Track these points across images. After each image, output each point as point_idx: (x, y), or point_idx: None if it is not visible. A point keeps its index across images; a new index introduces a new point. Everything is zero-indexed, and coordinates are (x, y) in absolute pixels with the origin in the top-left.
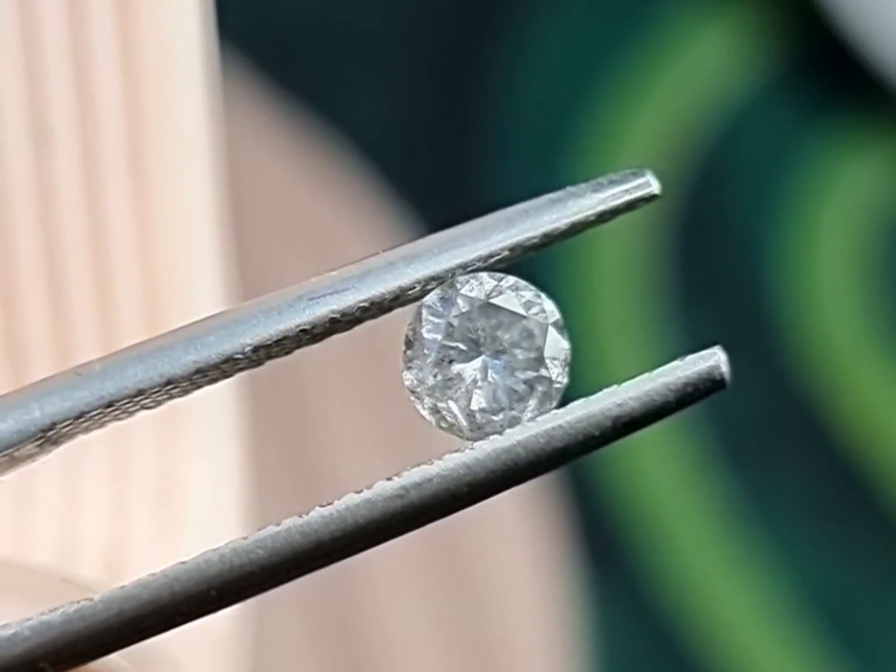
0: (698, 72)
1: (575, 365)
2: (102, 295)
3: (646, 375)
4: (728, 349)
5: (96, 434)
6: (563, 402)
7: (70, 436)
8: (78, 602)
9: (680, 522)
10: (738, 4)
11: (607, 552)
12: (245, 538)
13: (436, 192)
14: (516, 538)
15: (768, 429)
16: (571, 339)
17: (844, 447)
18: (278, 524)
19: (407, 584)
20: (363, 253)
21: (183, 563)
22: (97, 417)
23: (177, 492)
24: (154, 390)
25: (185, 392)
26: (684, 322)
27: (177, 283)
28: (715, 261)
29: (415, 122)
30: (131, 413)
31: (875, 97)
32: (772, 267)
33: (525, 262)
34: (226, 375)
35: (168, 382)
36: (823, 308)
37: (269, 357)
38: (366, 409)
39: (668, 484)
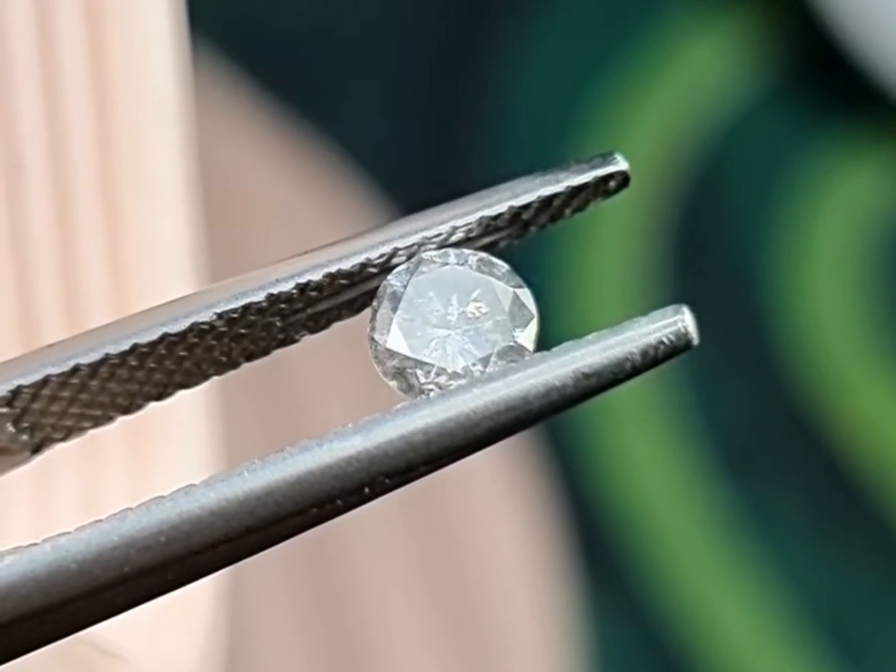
0: (696, 78)
1: None
2: (73, 314)
3: (609, 329)
4: (726, 360)
5: (70, 458)
6: None
7: (47, 431)
8: (25, 546)
9: (677, 532)
10: (735, 11)
11: (604, 561)
12: (196, 484)
13: (429, 197)
14: (514, 549)
15: (765, 438)
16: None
17: (841, 456)
18: (232, 469)
19: (400, 579)
20: None
21: (131, 508)
22: (66, 393)
23: None
24: (119, 357)
25: (160, 390)
26: None
27: (149, 301)
28: (711, 268)
29: (409, 128)
30: (105, 409)
31: (872, 105)
32: (768, 274)
33: (514, 248)
34: (202, 370)
35: (134, 348)
36: (820, 316)
37: (242, 348)
38: (358, 404)
39: (665, 493)
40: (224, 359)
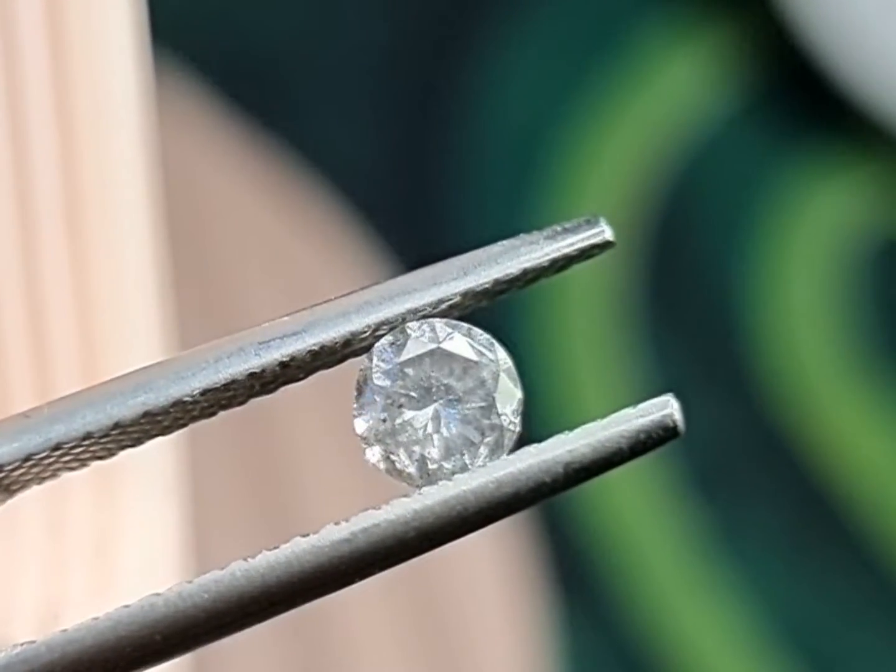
0: (669, 98)
1: (547, 404)
2: (38, 351)
3: (598, 422)
4: (700, 380)
5: (36, 490)
6: (517, 450)
7: (22, 483)
8: (20, 645)
9: (651, 552)
10: (709, 30)
11: (579, 581)
12: (190, 581)
13: (405, 223)
14: (489, 567)
15: (739, 458)
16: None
17: (815, 477)
18: (223, 567)
19: (378, 616)
20: (334, 285)
21: (127, 606)
22: (46, 461)
23: (113, 551)
24: (102, 434)
25: (136, 441)
26: (656, 351)
27: (114, 338)
28: (686, 291)
29: (384, 155)
30: (83, 461)
31: (845, 123)
32: (743, 296)
33: (494, 304)
34: (178, 423)
35: (116, 426)
36: (795, 336)
37: (221, 405)
38: (340, 457)
39: (639, 513)
40: (201, 414)
